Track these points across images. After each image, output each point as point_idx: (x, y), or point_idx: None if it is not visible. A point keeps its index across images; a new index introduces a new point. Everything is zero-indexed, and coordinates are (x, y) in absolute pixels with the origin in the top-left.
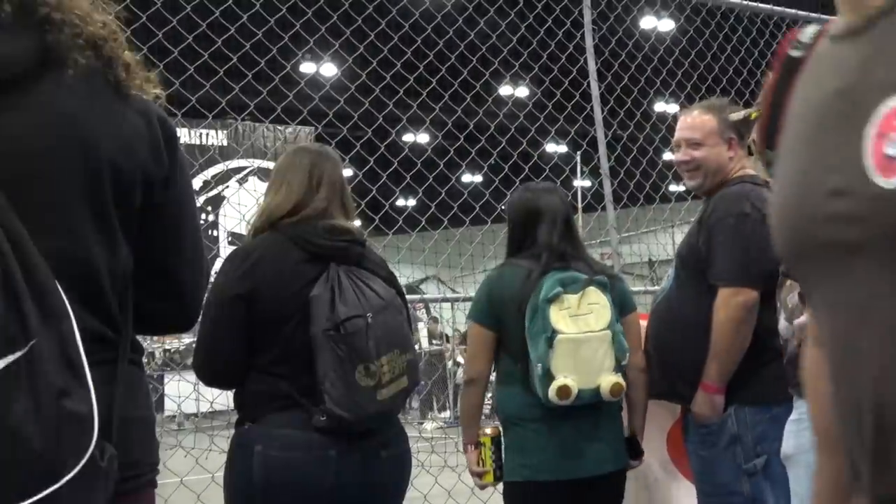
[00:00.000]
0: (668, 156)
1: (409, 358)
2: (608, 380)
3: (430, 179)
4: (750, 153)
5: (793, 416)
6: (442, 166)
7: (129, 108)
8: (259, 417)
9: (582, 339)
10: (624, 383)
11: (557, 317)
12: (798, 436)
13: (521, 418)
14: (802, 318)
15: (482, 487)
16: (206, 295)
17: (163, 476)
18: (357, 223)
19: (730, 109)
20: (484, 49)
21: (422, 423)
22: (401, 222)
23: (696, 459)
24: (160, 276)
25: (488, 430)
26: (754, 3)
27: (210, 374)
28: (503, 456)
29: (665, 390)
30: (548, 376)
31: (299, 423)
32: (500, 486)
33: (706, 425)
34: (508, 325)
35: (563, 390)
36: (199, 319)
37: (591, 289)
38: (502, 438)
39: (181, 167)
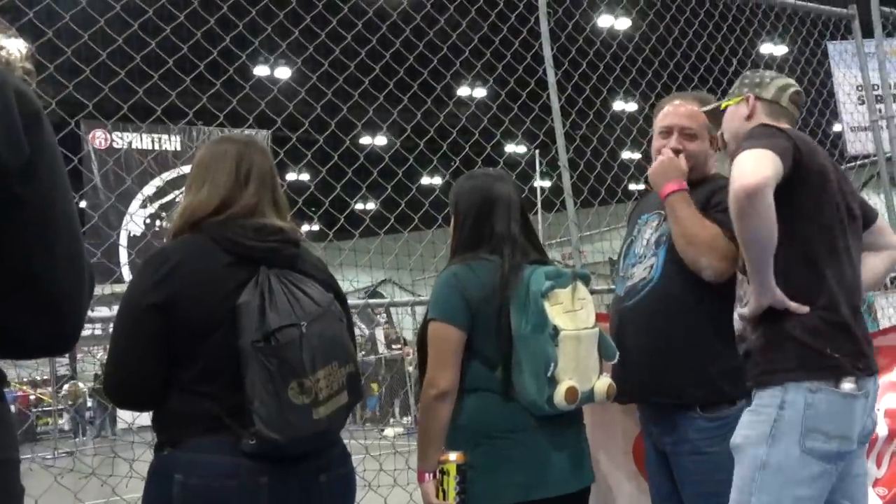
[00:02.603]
0: (626, 154)
1: (349, 371)
2: (602, 381)
3: (390, 184)
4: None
5: (748, 408)
6: (402, 170)
7: None
8: (180, 442)
9: (581, 337)
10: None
11: (552, 313)
12: (750, 427)
13: (504, 431)
14: (742, 309)
15: None
16: (117, 305)
17: None
18: (310, 226)
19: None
20: (445, 47)
21: (382, 430)
22: (360, 228)
23: (693, 460)
24: (25, 283)
25: (453, 456)
26: None
27: (122, 395)
28: (469, 481)
29: (652, 389)
30: (552, 378)
31: (226, 447)
32: None
33: (720, 417)
34: (483, 326)
35: (572, 392)
36: (111, 332)
37: (579, 283)
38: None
39: (49, 152)
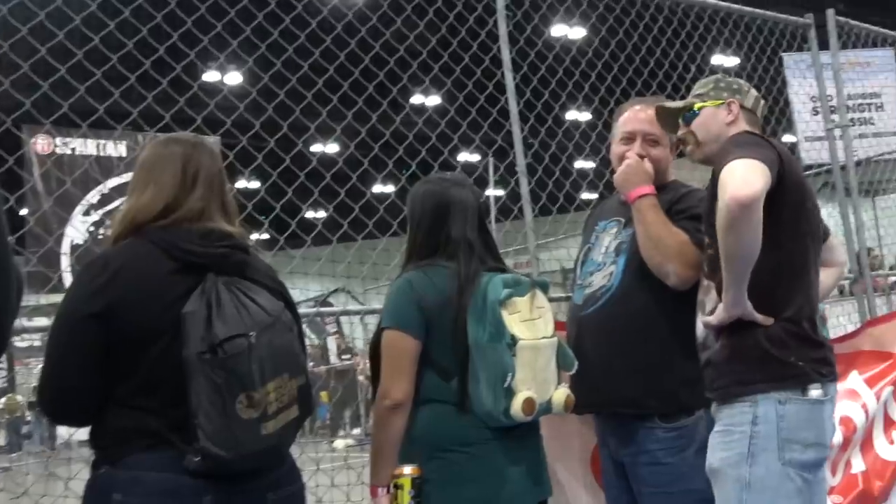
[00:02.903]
0: (580, 163)
1: (300, 383)
2: (560, 392)
3: (342, 192)
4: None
5: (717, 428)
6: (355, 176)
7: None
8: (119, 459)
9: (539, 347)
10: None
11: (510, 321)
12: (726, 448)
13: (459, 443)
14: (707, 317)
15: None
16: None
17: None
18: (259, 234)
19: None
20: (402, 48)
21: (332, 441)
22: (311, 235)
23: (651, 470)
24: None
25: (408, 470)
26: None
27: (58, 409)
28: (423, 495)
29: (610, 399)
30: (509, 389)
31: (168, 464)
32: None
33: (678, 427)
34: (438, 335)
35: (529, 404)
36: (47, 342)
37: (537, 291)
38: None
39: None
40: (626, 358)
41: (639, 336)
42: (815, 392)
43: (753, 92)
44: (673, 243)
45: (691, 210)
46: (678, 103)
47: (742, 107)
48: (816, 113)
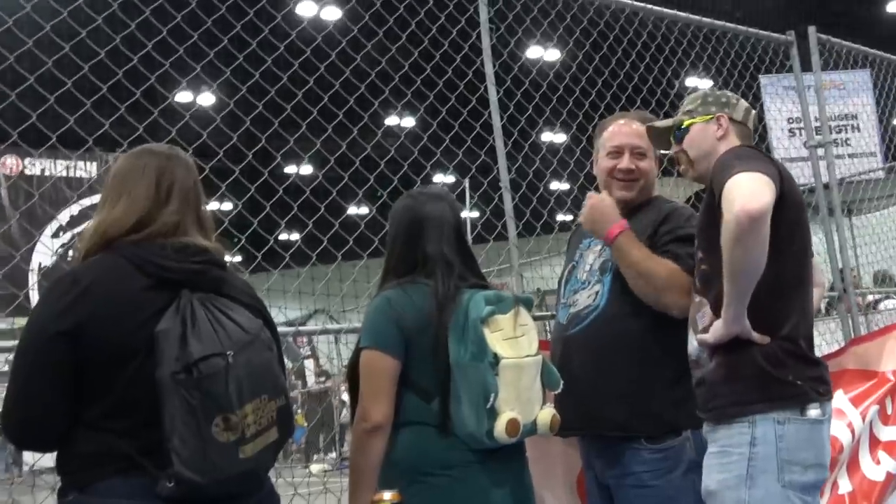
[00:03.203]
0: (556, 185)
1: (280, 405)
2: (546, 412)
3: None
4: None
5: (713, 449)
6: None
7: None
8: (87, 485)
9: (523, 365)
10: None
11: (492, 340)
12: (724, 470)
13: (441, 467)
14: (702, 335)
15: None
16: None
17: None
18: (231, 257)
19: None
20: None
21: (307, 466)
22: (282, 263)
23: (638, 493)
24: None
25: (388, 495)
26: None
27: (23, 433)
28: None
29: (595, 422)
30: (492, 410)
31: (139, 490)
32: None
33: (665, 448)
34: (418, 355)
35: (513, 424)
36: (12, 364)
37: (521, 308)
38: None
39: None
40: (613, 379)
41: (626, 357)
42: (813, 412)
43: (743, 103)
44: (664, 274)
45: (678, 231)
46: (667, 122)
47: (732, 119)
48: (793, 134)
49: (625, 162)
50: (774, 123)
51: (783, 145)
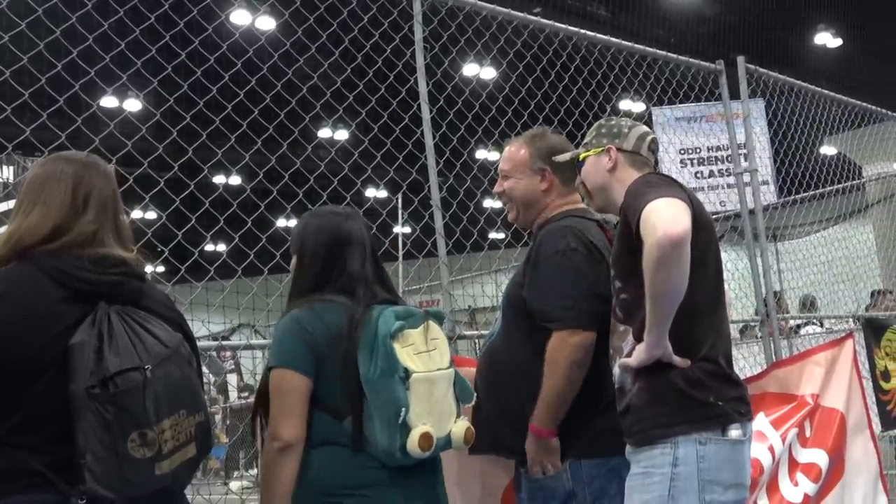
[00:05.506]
0: (488, 202)
1: (198, 420)
2: (460, 425)
3: (248, 222)
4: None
5: (636, 470)
6: (263, 206)
7: None
8: None
9: (435, 379)
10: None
11: (403, 355)
12: (646, 490)
13: (353, 487)
14: (626, 359)
15: None
16: None
17: None
18: (154, 268)
19: (549, 139)
20: (304, 89)
21: (226, 483)
22: (208, 275)
23: None
24: None
25: None
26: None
27: None
28: None
29: (490, 443)
30: (404, 424)
31: None
32: None
33: (538, 480)
34: (328, 373)
35: (426, 438)
36: None
37: (431, 322)
38: None
39: None
40: (501, 404)
41: (512, 385)
42: (734, 432)
43: (636, 131)
44: (559, 372)
45: (540, 256)
46: (567, 155)
47: (621, 150)
48: (685, 165)
49: (496, 186)
50: (665, 154)
51: (674, 176)
